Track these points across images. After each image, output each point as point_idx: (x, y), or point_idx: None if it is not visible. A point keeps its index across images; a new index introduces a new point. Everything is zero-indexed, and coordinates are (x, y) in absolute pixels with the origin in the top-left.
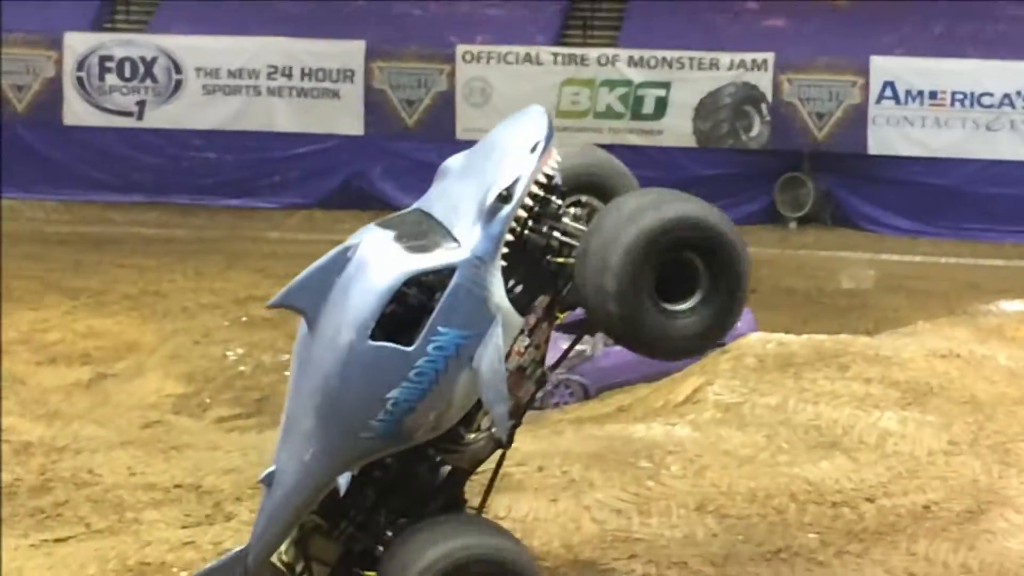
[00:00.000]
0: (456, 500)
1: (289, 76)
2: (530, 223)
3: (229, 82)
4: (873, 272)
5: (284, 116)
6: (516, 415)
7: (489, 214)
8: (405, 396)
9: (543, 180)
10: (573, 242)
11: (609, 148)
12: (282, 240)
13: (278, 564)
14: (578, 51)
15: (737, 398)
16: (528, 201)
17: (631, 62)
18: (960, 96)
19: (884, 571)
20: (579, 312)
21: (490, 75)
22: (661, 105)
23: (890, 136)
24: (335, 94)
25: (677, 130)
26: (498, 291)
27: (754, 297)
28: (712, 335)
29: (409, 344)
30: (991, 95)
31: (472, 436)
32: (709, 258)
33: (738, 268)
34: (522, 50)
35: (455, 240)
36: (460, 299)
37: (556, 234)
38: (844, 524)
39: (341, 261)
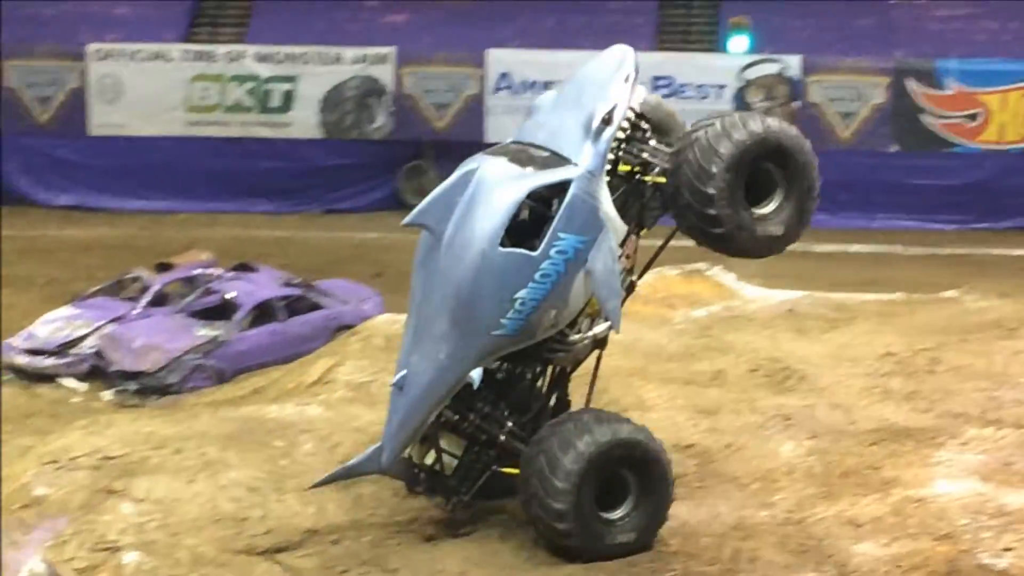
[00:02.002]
0: (564, 397)
1: None
2: (623, 145)
3: None
4: None
5: None
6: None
7: (596, 134)
8: (532, 295)
9: (635, 108)
10: (658, 162)
11: (239, 141)
12: None
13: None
14: (207, 48)
15: (366, 377)
16: (624, 124)
17: (258, 58)
18: None
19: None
20: (211, 299)
21: (121, 72)
22: (288, 98)
23: (506, 124)
24: None
25: (304, 122)
26: (606, 201)
27: (381, 280)
28: (790, 236)
29: (533, 250)
30: None
31: (576, 336)
32: (786, 167)
33: (811, 175)
34: (152, 48)
35: (564, 159)
36: (576, 208)
37: (645, 155)
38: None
39: (463, 183)
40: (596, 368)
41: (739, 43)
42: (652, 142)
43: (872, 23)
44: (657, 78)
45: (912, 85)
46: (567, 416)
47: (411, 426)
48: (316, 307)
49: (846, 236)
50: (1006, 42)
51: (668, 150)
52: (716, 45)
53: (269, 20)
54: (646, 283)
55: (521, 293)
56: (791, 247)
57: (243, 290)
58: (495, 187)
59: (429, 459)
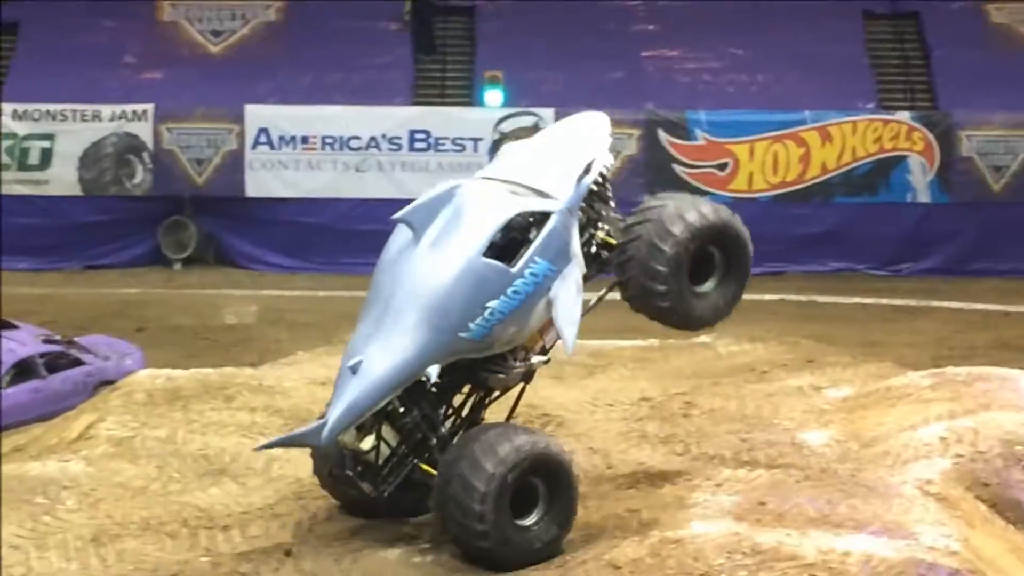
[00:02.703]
0: (479, 414)
1: None
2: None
3: None
4: (255, 308)
5: None
6: (543, 352)
7: (578, 179)
8: (501, 307)
9: (606, 169)
10: (610, 226)
11: None
12: None
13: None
14: None
15: (128, 432)
16: (597, 179)
17: (15, 115)
18: (330, 140)
19: None
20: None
21: None
22: (46, 156)
23: (266, 179)
24: None
25: (63, 179)
26: (576, 240)
27: (142, 335)
28: (722, 313)
29: (511, 266)
30: (359, 139)
31: (514, 363)
32: (727, 250)
33: (748, 259)
34: None
35: (546, 194)
36: (553, 238)
37: (604, 213)
38: (233, 546)
39: (447, 196)
40: (519, 396)
41: (494, 97)
42: (611, 203)
43: (623, 76)
44: (414, 132)
45: (663, 136)
46: (486, 426)
47: (360, 408)
48: (78, 363)
49: (603, 284)
50: (753, 94)
51: (621, 217)
52: (472, 99)
53: (26, 78)
54: None
55: (492, 303)
56: None
57: (3, 348)
58: (486, 203)
59: (365, 445)
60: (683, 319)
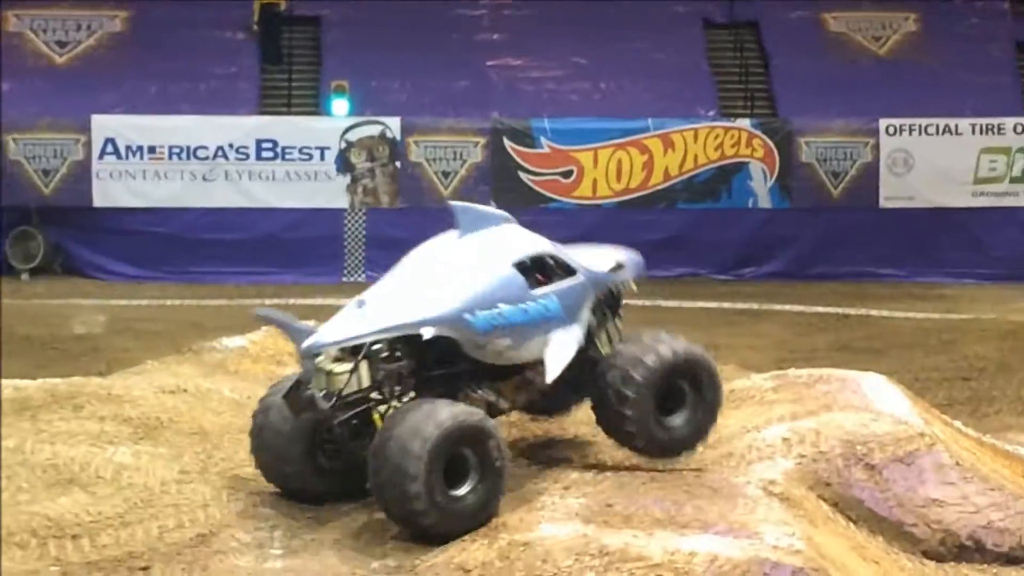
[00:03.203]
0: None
1: None
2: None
3: None
4: (104, 317)
5: None
6: (511, 409)
7: (611, 269)
8: (508, 314)
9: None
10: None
11: None
12: None
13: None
14: None
15: None
16: (615, 288)
17: None
18: (177, 150)
19: None
20: None
21: None
22: None
23: (114, 189)
24: None
25: None
26: (586, 312)
27: None
28: (690, 443)
29: (532, 289)
30: (206, 148)
31: (483, 393)
32: (697, 385)
33: (719, 395)
34: None
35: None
36: (573, 293)
37: (608, 324)
38: (83, 556)
39: (499, 218)
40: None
41: (340, 106)
42: (617, 322)
43: (469, 85)
44: (261, 141)
45: (508, 144)
46: (408, 406)
47: (351, 333)
48: None
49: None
50: (596, 102)
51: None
52: (318, 108)
53: None
54: (254, 341)
55: (504, 307)
56: None
57: None
58: (527, 234)
59: (338, 369)
60: (648, 447)
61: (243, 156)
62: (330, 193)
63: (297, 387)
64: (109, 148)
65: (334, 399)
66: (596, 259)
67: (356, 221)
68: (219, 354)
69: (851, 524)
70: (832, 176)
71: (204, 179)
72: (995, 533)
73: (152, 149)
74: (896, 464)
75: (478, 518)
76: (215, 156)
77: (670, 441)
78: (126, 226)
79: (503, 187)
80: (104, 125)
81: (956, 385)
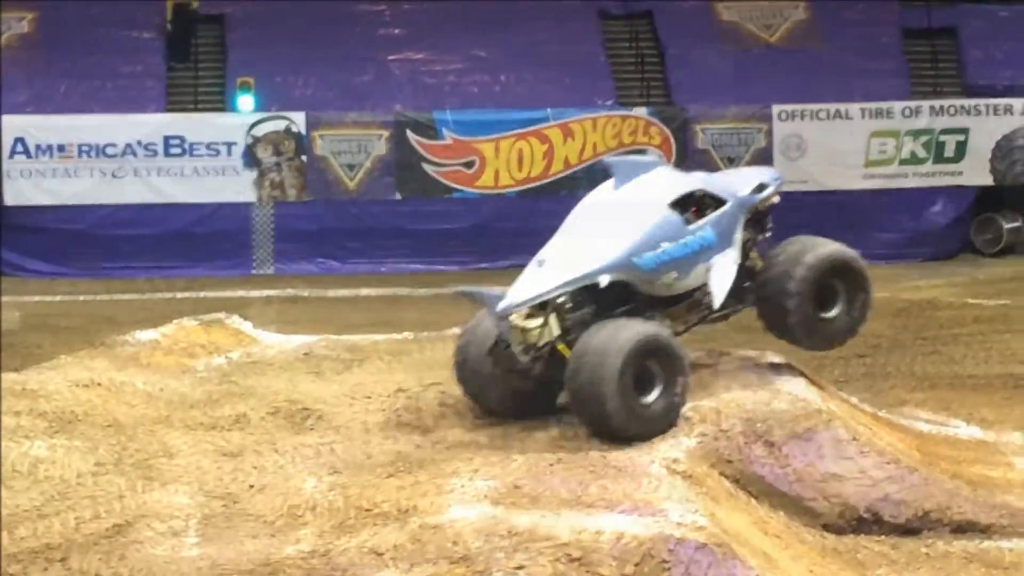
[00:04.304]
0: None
1: None
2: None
3: None
4: (18, 314)
5: None
6: (687, 329)
7: (754, 190)
8: (671, 250)
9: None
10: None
11: None
12: None
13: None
14: None
15: None
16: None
17: None
18: (87, 148)
19: None
20: None
21: None
22: None
23: (25, 187)
24: None
25: None
26: (739, 232)
27: None
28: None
29: (688, 224)
30: (115, 146)
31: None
32: (848, 282)
33: (868, 288)
34: None
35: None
36: (724, 220)
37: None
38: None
39: (650, 164)
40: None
41: (245, 102)
42: (766, 235)
43: (372, 78)
44: (169, 138)
45: (412, 136)
46: (601, 324)
47: (537, 292)
48: None
49: (357, 281)
50: (496, 93)
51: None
52: (225, 105)
53: None
54: (166, 334)
55: (666, 244)
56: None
57: None
58: (678, 175)
59: (530, 324)
60: (819, 336)
61: (151, 153)
62: (238, 188)
63: (497, 344)
64: (19, 147)
65: (532, 351)
66: (741, 184)
67: (264, 215)
68: (132, 348)
69: (752, 500)
70: (728, 161)
71: (114, 176)
72: (892, 505)
73: (62, 148)
74: (795, 440)
75: (660, 424)
76: (124, 153)
77: (827, 333)
78: (38, 223)
79: (407, 178)
80: (14, 125)
81: (852, 362)
